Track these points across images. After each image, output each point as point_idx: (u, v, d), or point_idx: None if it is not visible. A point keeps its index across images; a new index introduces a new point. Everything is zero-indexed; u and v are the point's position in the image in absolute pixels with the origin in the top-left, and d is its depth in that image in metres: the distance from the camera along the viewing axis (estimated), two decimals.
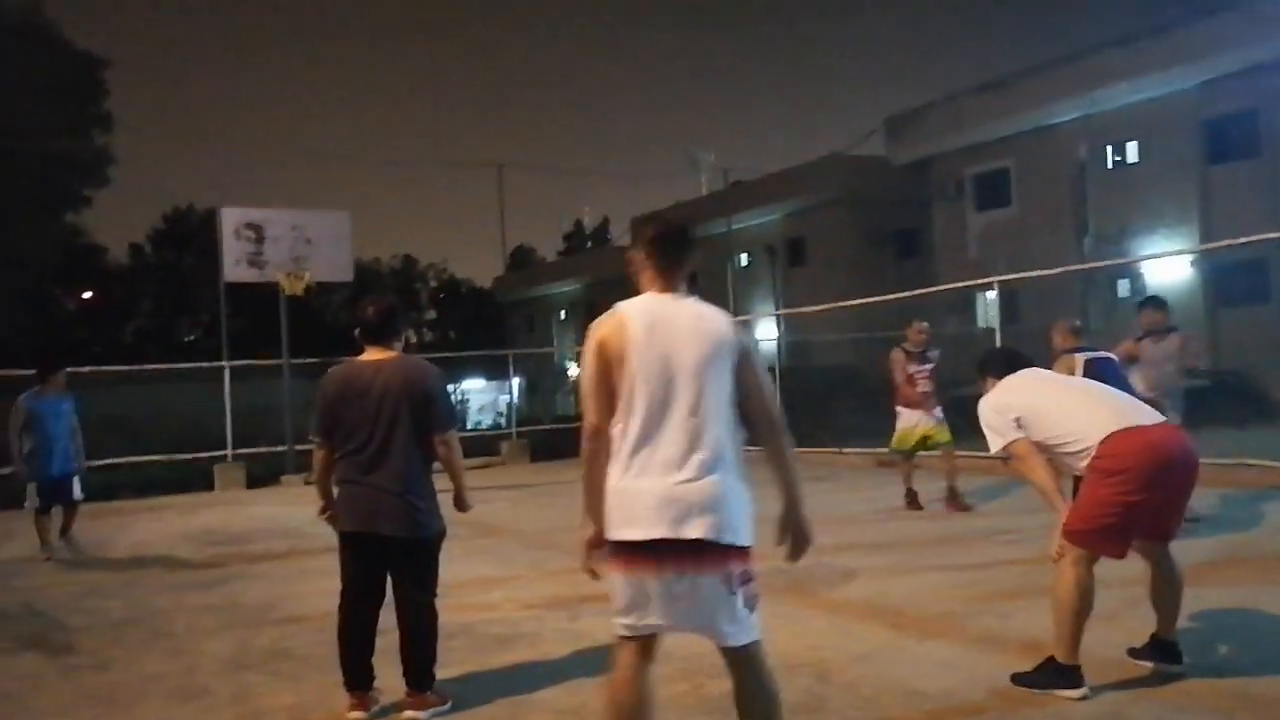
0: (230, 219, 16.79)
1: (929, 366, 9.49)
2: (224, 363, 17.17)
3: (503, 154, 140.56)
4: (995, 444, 4.41)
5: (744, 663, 2.96)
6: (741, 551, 2.89)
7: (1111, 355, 7.37)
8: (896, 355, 9.65)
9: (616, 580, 2.93)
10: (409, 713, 4.32)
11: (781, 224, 31.15)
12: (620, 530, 2.89)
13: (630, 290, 3.13)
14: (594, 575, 3.05)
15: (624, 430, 2.90)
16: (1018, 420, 4.31)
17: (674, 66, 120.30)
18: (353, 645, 4.37)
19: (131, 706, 4.68)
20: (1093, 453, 4.12)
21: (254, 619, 6.35)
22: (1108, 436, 4.11)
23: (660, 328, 2.97)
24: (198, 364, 20.16)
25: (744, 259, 32.79)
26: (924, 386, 9.43)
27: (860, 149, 27.77)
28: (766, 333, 23.01)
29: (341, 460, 4.38)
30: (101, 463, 15.64)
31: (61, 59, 24.83)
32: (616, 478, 2.91)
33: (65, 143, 24.27)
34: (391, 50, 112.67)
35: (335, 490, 4.45)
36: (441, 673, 4.54)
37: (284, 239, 16.81)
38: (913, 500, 9.54)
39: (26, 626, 6.51)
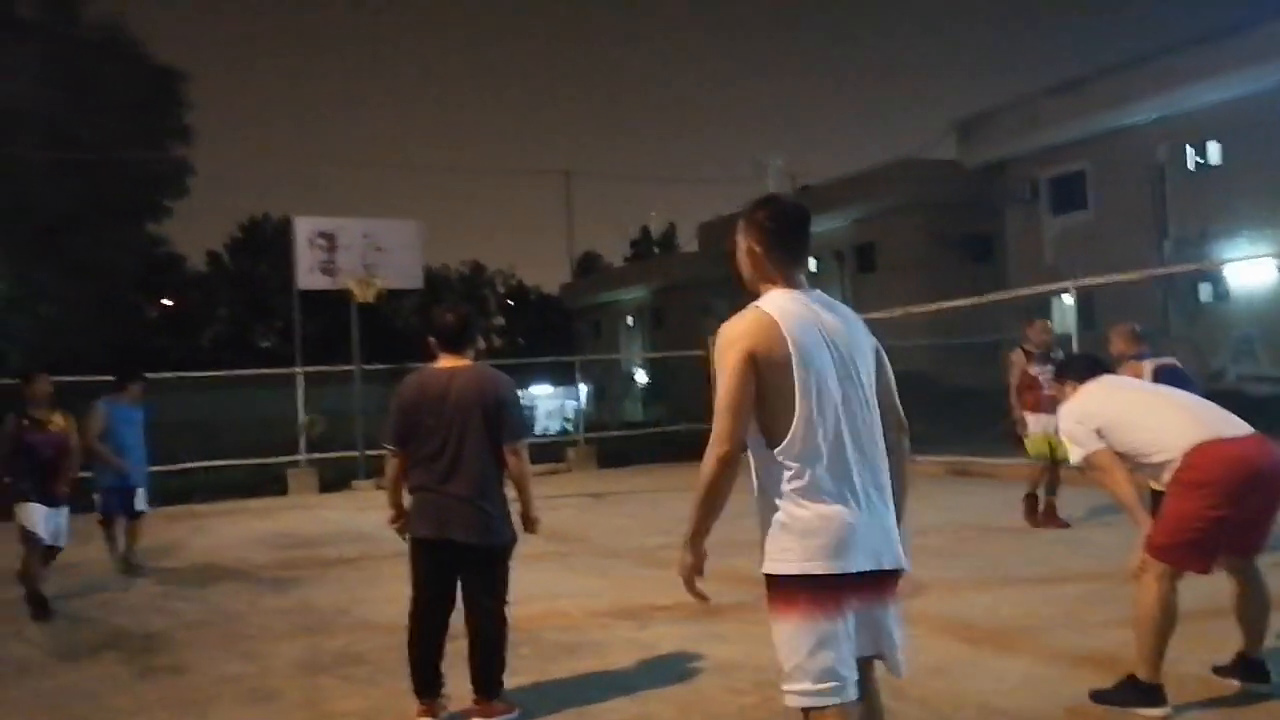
0: (303, 228, 17.13)
1: (1053, 367, 8.62)
2: (297, 368, 17.49)
3: (570, 161, 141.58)
4: (1075, 455, 4.27)
5: (875, 689, 2.85)
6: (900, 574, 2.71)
7: (1176, 362, 7.07)
8: (1016, 356, 8.87)
9: (792, 626, 2.56)
10: None
11: (850, 229, 30.83)
12: (808, 563, 2.54)
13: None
14: (704, 599, 2.78)
15: (796, 451, 2.56)
16: (1099, 429, 4.17)
17: (742, 71, 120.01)
18: (422, 652, 4.38)
19: (205, 708, 4.76)
20: (1177, 464, 3.97)
21: (326, 623, 6.42)
22: (1194, 448, 3.95)
23: (819, 333, 2.63)
24: (272, 370, 20.57)
25: (812, 265, 32.52)
26: (1049, 390, 8.17)
27: (931, 152, 27.38)
28: None
29: (415, 468, 4.38)
30: (178, 466, 16.11)
31: (143, 74, 25.59)
32: (792, 504, 2.56)
33: (146, 155, 24.98)
34: (461, 59, 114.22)
35: (408, 498, 4.45)
36: (508, 680, 4.53)
37: (355, 247, 17.10)
38: (1045, 511, 8.86)
39: (105, 627, 6.67)
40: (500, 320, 59.39)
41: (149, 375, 10.29)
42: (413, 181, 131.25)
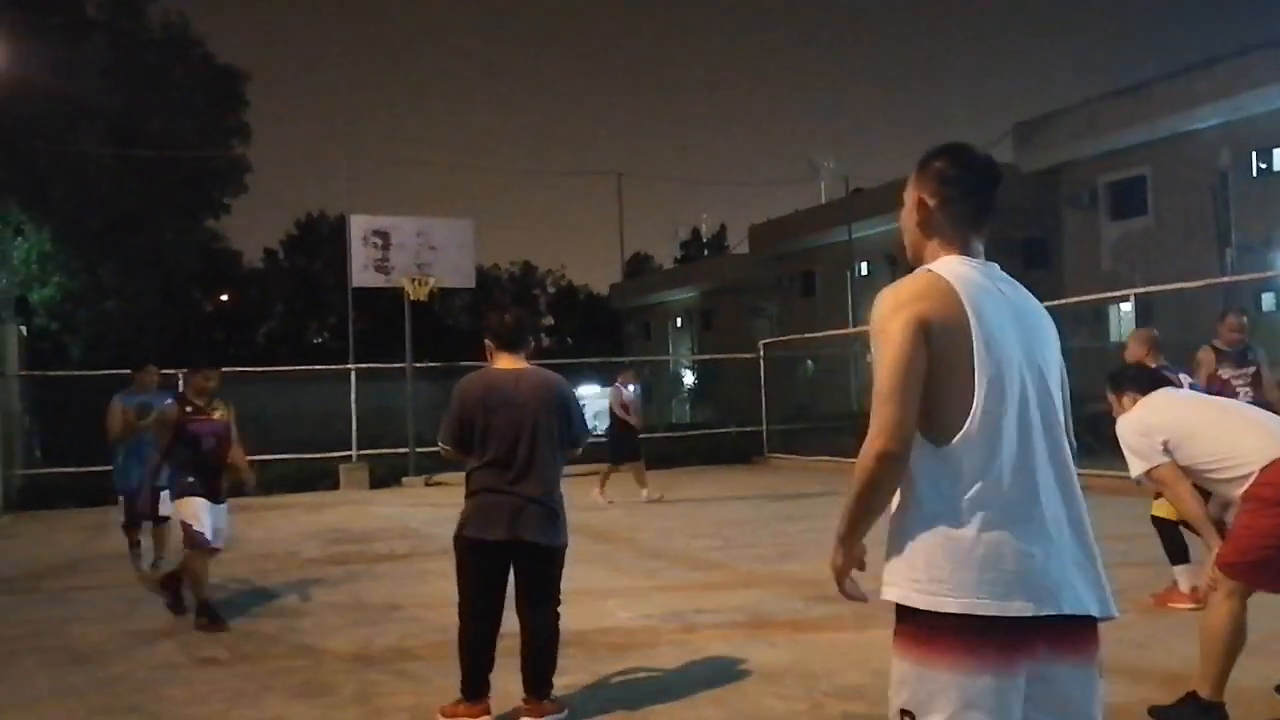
0: (358, 226, 17.36)
1: (1250, 370, 7.29)
2: (350, 365, 17.72)
3: (622, 162, 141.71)
4: (1137, 468, 4.17)
5: None
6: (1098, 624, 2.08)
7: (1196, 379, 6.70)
8: (1204, 355, 7.63)
9: (932, 674, 1.97)
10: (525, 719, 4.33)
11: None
12: (974, 600, 1.94)
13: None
14: (861, 598, 2.22)
15: (972, 450, 1.99)
16: (1165, 443, 4.06)
17: (795, 72, 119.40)
18: (476, 653, 4.37)
19: (259, 700, 4.82)
20: (1253, 479, 3.86)
21: (377, 618, 6.48)
22: (1271, 463, 3.84)
23: (1003, 309, 2.09)
24: (326, 366, 20.85)
25: (864, 268, 32.27)
26: (1244, 394, 7.16)
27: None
28: None
29: (482, 469, 4.34)
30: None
31: (206, 73, 26.08)
32: (957, 519, 1.98)
33: (207, 153, 25.45)
34: (516, 61, 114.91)
35: (472, 499, 4.38)
36: (557, 679, 4.54)
37: (409, 245, 17.30)
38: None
39: (161, 617, 6.79)
40: (550, 320, 59.63)
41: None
42: (466, 181, 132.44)
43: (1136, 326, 13.82)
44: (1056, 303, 14.61)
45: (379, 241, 17.23)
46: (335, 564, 8.75)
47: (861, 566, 2.20)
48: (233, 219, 54.42)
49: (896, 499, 2.08)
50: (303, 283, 49.03)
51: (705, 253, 54.39)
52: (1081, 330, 21.32)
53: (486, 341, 4.55)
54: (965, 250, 2.18)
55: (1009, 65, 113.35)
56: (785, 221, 36.48)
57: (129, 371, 8.94)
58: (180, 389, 7.16)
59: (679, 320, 44.49)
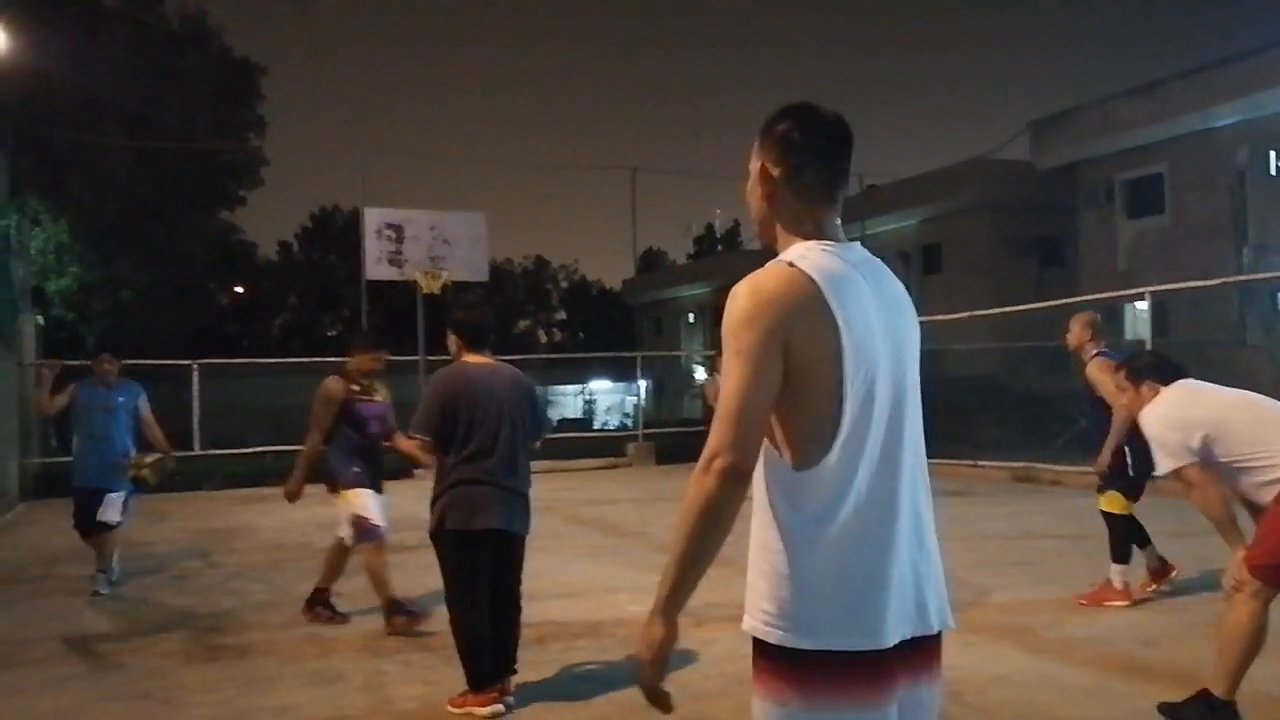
0: (372, 219, 17.42)
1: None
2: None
3: (636, 157, 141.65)
4: (1165, 466, 4.00)
5: None
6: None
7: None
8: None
9: (806, 716, 1.75)
10: (508, 698, 4.44)
11: (917, 230, 30.45)
12: (845, 636, 1.75)
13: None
14: (666, 706, 1.84)
15: (835, 476, 1.77)
16: (1204, 438, 3.89)
17: (808, 68, 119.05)
18: (478, 643, 4.43)
19: (269, 687, 4.85)
20: None
21: (385, 608, 6.50)
22: None
23: (868, 303, 1.83)
24: (339, 358, 20.92)
25: None
26: None
27: (1003, 153, 26.92)
28: None
29: (463, 462, 4.39)
30: (249, 450, 16.53)
31: (223, 66, 26.17)
32: (820, 548, 1.76)
33: (223, 145, 25.55)
34: (529, 54, 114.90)
35: (451, 491, 4.41)
36: (567, 669, 4.57)
37: (422, 239, 17.35)
38: None
39: (175, 606, 6.84)
40: (562, 314, 59.70)
41: (219, 360, 10.45)
42: (480, 175, 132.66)
43: (1153, 326, 13.76)
44: (1071, 300, 14.55)
45: (392, 235, 17.29)
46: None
47: (669, 652, 1.80)
48: (248, 211, 54.63)
49: (756, 523, 1.84)
50: (317, 275, 49.21)
51: (718, 249, 54.34)
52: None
53: (453, 337, 4.62)
54: (818, 229, 1.88)
55: (1024, 61, 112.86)
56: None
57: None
58: (344, 367, 6.28)
59: (691, 316, 44.46)
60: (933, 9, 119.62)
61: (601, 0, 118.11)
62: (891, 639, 1.77)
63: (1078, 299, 15.22)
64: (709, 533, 1.74)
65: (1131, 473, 6.16)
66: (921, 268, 30.75)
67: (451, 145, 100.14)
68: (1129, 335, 22.58)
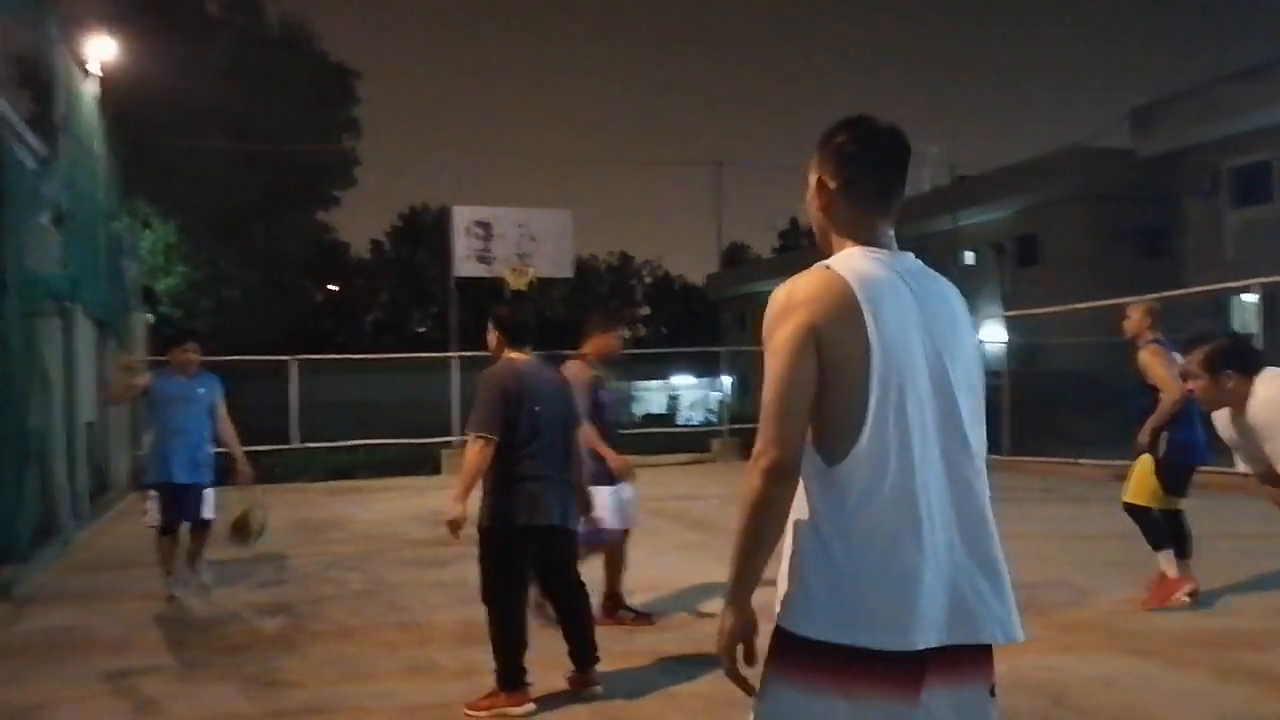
0: (461, 217, 17.77)
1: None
2: (452, 353, 18.10)
3: (721, 151, 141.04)
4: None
5: None
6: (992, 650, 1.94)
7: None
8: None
9: (825, 707, 1.81)
10: (596, 688, 4.49)
11: (1012, 220, 29.74)
12: (860, 632, 1.79)
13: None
14: (747, 689, 1.90)
15: (861, 474, 1.83)
16: None
17: (897, 56, 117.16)
18: (518, 642, 4.44)
19: (369, 674, 4.99)
20: None
21: (478, 598, 6.61)
22: None
23: (911, 314, 1.89)
24: (429, 354, 21.35)
25: (969, 257, 31.55)
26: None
27: (1103, 141, 26.13)
28: (993, 335, 22.02)
29: (522, 458, 4.37)
30: (343, 444, 16.99)
31: (319, 70, 26.91)
32: (845, 544, 1.82)
33: (320, 147, 26.25)
34: (612, 51, 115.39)
35: (507, 487, 4.39)
36: (655, 661, 4.60)
37: (510, 236, 17.64)
38: None
39: (277, 592, 7.07)
40: (646, 310, 59.85)
41: (315, 356, 10.68)
42: (566, 173, 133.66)
43: (1263, 318, 13.22)
44: (1174, 293, 14.06)
45: (481, 232, 17.61)
46: (439, 545, 8.93)
47: (753, 639, 1.89)
48: (342, 211, 56.05)
49: (802, 513, 1.89)
50: (407, 273, 50.17)
51: (804, 242, 53.83)
52: (1200, 322, 20.44)
53: (494, 333, 4.66)
54: (872, 238, 1.97)
55: (1125, 46, 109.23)
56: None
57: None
58: (581, 350, 5.83)
59: None
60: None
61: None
62: (916, 642, 1.78)
63: (1182, 291, 14.71)
64: (761, 528, 1.85)
65: (1165, 461, 5.94)
66: (1016, 260, 30.03)
67: (538, 143, 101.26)
68: (1237, 328, 21.72)
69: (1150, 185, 25.21)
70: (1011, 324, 20.37)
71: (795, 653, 1.83)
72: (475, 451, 4.32)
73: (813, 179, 2.03)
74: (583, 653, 4.56)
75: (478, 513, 4.45)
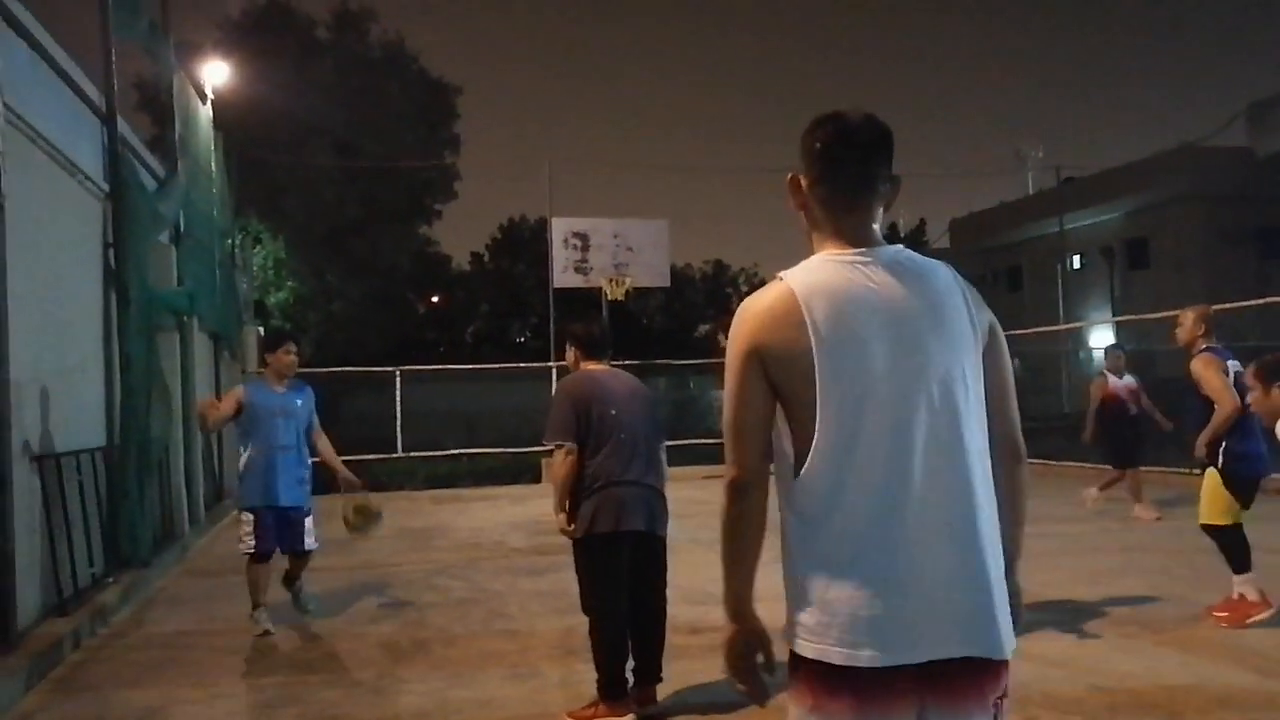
0: (559, 228, 17.99)
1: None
2: (551, 363, 18.32)
3: None
4: None
5: None
6: (1004, 664, 1.86)
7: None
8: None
9: None
10: (653, 707, 4.47)
11: (1121, 223, 28.78)
12: (833, 647, 1.77)
13: None
14: (759, 698, 1.93)
15: (817, 484, 1.80)
16: None
17: (1000, 56, 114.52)
18: (620, 651, 4.46)
19: (473, 680, 5.08)
20: None
21: (577, 607, 6.66)
22: None
23: (869, 313, 1.82)
24: (529, 364, 21.64)
25: (1076, 261, 30.63)
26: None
27: (1217, 139, 25.07)
28: (1101, 340, 21.32)
29: (607, 463, 4.39)
30: (445, 453, 17.34)
31: (420, 88, 27.57)
32: (811, 557, 1.81)
33: (422, 163, 26.88)
34: (706, 60, 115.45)
35: (597, 493, 4.40)
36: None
37: (607, 247, 17.79)
38: None
39: (383, 599, 7.24)
40: None
41: (418, 367, 10.87)
42: (662, 182, 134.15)
43: None
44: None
45: (578, 243, 17.80)
46: (539, 554, 9.07)
47: (764, 645, 1.90)
48: (443, 224, 57.28)
49: (781, 527, 1.88)
50: (506, 284, 50.93)
51: (901, 247, 52.92)
52: None
53: (571, 349, 4.74)
54: (845, 235, 1.91)
55: (1240, 38, 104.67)
56: (990, 214, 35.09)
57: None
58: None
59: None
60: None
61: (779, 5, 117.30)
62: (871, 661, 1.74)
63: None
64: (733, 542, 1.88)
65: (1226, 473, 5.74)
66: (1126, 263, 29.02)
67: (634, 153, 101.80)
68: None
69: (1268, 185, 24.10)
70: (1121, 330, 19.70)
71: (792, 668, 1.85)
72: (558, 461, 4.43)
73: (790, 178, 2.00)
74: (648, 669, 4.52)
75: (572, 521, 4.50)
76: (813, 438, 1.79)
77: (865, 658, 1.75)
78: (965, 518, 1.82)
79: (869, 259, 1.88)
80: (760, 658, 1.91)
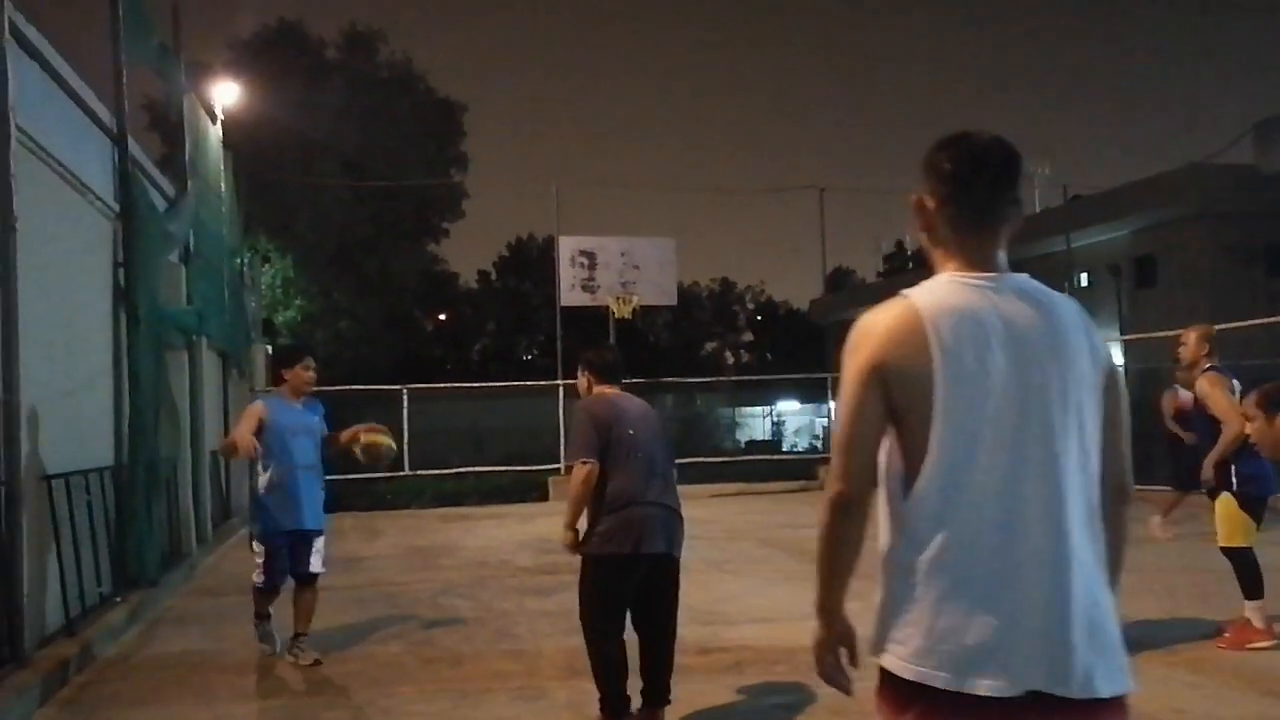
0: (567, 247, 18.03)
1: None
2: (558, 381, 18.33)
3: (823, 175, 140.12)
4: None
5: None
6: (1120, 701, 1.80)
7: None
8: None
9: None
10: None
11: (1128, 241, 28.75)
12: (934, 670, 1.74)
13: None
14: (848, 690, 1.99)
15: (929, 506, 1.78)
16: None
17: (1005, 73, 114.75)
18: (621, 670, 4.45)
19: (480, 701, 5.06)
20: None
21: None
22: None
23: (996, 338, 1.81)
24: (536, 382, 21.66)
25: (1084, 279, 30.60)
26: None
27: (1225, 157, 25.08)
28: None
29: (627, 482, 4.39)
30: (451, 470, 17.35)
31: (428, 107, 27.73)
32: (919, 577, 1.78)
33: (429, 181, 27.01)
34: (711, 79, 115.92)
35: (617, 513, 4.39)
36: (765, 695, 4.54)
37: (613, 265, 17.83)
38: None
39: (390, 619, 7.23)
40: (749, 336, 59.62)
41: (425, 385, 10.88)
42: (668, 200, 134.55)
43: None
44: None
45: (585, 261, 17.84)
46: (546, 573, 9.05)
47: (851, 645, 1.96)
48: (450, 242, 57.48)
49: (880, 542, 1.88)
50: (513, 302, 51.07)
51: (910, 266, 52.96)
52: None
53: (585, 376, 4.79)
54: (972, 258, 1.89)
55: (1246, 57, 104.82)
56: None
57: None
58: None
59: None
60: (1134, 8, 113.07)
61: (784, 21, 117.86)
62: (983, 689, 1.71)
63: None
64: (833, 558, 1.91)
65: (1240, 494, 5.72)
66: (1134, 281, 29.01)
67: (640, 172, 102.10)
68: None
69: (1275, 202, 24.12)
70: (1129, 348, 19.67)
71: (881, 684, 1.84)
72: (579, 474, 4.42)
73: (914, 200, 1.98)
74: (657, 691, 4.50)
75: (586, 538, 4.49)
76: (925, 457, 1.78)
77: (975, 685, 1.72)
78: (1079, 549, 1.79)
79: (995, 284, 1.86)
80: (846, 657, 1.97)
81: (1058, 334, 1.85)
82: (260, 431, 5.87)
